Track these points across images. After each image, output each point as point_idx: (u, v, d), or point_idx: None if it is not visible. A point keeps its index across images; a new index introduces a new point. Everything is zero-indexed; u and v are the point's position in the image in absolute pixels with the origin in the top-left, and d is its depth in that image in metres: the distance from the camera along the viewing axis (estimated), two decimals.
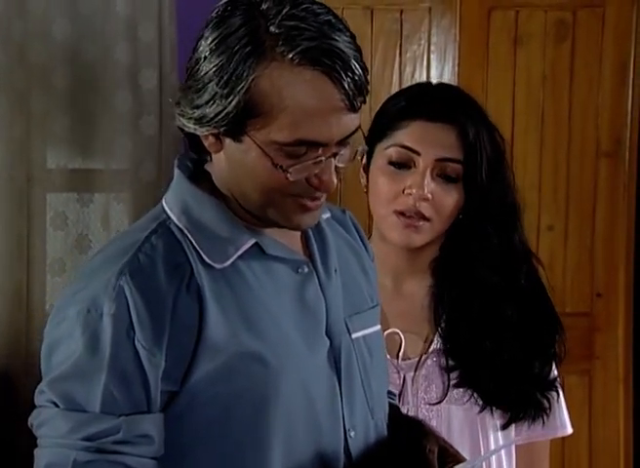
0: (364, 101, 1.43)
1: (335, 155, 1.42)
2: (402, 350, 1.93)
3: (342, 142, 1.42)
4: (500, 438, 1.97)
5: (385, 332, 1.92)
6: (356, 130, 1.43)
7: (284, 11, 1.37)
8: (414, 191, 1.89)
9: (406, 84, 3.18)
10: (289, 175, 1.39)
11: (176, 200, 1.49)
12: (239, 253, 1.46)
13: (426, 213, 1.90)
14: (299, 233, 1.56)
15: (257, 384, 1.43)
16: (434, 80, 3.18)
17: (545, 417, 1.96)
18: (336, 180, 1.43)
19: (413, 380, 1.92)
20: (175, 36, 3.26)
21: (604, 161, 3.24)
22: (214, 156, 1.48)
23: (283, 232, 1.51)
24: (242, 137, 1.40)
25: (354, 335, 1.56)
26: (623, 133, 3.22)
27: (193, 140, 1.48)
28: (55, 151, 3.28)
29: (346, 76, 1.37)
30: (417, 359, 1.94)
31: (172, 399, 1.42)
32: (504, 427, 1.96)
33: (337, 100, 1.38)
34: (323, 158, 1.40)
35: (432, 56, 3.21)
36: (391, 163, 1.92)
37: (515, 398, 1.93)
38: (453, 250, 1.97)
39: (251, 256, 1.47)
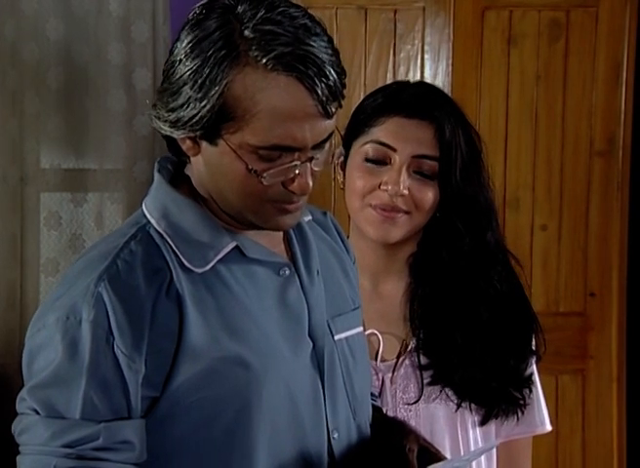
0: (339, 106, 1.42)
1: (310, 159, 1.41)
2: (380, 352, 1.93)
3: (318, 147, 1.42)
4: (480, 434, 1.97)
5: (364, 334, 1.93)
6: (331, 134, 1.43)
7: (259, 14, 1.37)
8: (390, 187, 1.89)
9: None
10: (263, 179, 1.39)
11: (155, 204, 1.48)
12: (219, 256, 1.45)
13: (403, 207, 1.90)
14: (281, 234, 1.55)
15: (239, 388, 1.43)
16: (428, 80, 3.19)
17: (520, 413, 1.96)
18: (311, 183, 1.42)
19: (391, 381, 1.92)
20: (168, 36, 3.26)
21: (597, 160, 3.24)
22: (192, 159, 1.47)
23: (264, 234, 1.51)
24: (217, 141, 1.40)
25: (337, 337, 1.56)
26: (617, 132, 3.23)
27: (172, 143, 1.47)
28: (48, 151, 3.28)
29: (320, 82, 1.37)
30: (394, 360, 1.94)
31: (153, 404, 1.41)
32: (482, 423, 1.95)
33: (310, 107, 1.37)
34: (298, 163, 1.40)
35: (426, 55, 3.21)
36: (367, 160, 1.92)
37: (488, 393, 1.93)
38: (428, 247, 1.97)
39: (231, 260, 1.46)
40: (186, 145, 1.44)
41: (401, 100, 1.92)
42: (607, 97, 3.21)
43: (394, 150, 1.90)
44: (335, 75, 1.39)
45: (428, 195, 1.90)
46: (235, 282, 1.46)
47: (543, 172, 3.24)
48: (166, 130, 1.43)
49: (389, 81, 3.18)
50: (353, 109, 1.98)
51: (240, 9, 1.38)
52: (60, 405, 1.38)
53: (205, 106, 1.37)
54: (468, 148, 1.92)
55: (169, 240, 1.45)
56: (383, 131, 1.91)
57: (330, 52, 1.39)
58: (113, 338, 1.37)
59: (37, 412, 1.40)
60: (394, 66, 3.23)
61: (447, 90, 3.17)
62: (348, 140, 1.96)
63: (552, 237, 3.26)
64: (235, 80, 1.36)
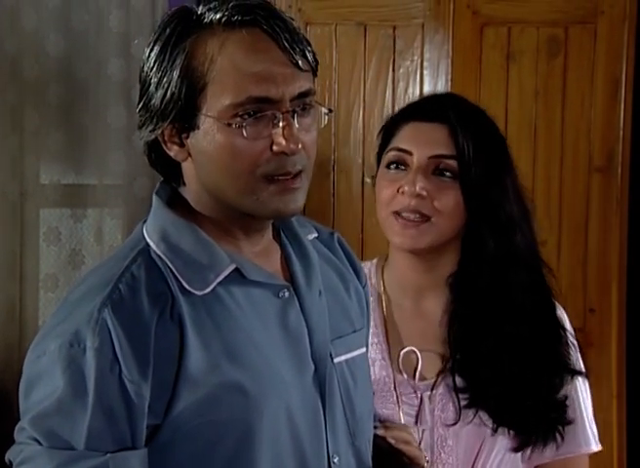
0: (312, 67, 1.44)
1: (292, 113, 1.40)
2: (419, 369, 1.92)
3: (299, 102, 1.41)
4: (512, 458, 1.93)
5: (402, 351, 1.93)
6: (310, 92, 1.43)
7: (213, 3, 1.42)
8: (406, 189, 1.90)
9: (399, 99, 3.18)
10: (244, 130, 1.38)
11: (155, 227, 1.47)
12: (219, 279, 1.43)
13: (423, 210, 1.90)
14: (278, 255, 1.54)
15: (239, 414, 1.41)
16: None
17: (560, 439, 1.92)
18: (300, 146, 1.40)
19: (430, 400, 1.91)
20: None
21: (596, 176, 3.24)
22: (184, 167, 1.46)
23: (262, 256, 1.50)
24: (197, 120, 1.40)
25: (336, 360, 1.54)
26: (616, 148, 3.22)
27: (163, 166, 1.48)
28: (48, 166, 3.29)
29: (278, 27, 1.40)
30: (434, 379, 1.92)
31: (155, 432, 1.39)
32: (517, 450, 1.92)
33: (274, 52, 1.40)
34: (277, 113, 1.39)
35: (425, 71, 3.21)
36: (388, 167, 1.96)
37: (526, 419, 1.90)
38: (468, 267, 1.96)
39: (231, 282, 1.44)
40: (174, 151, 1.44)
41: (415, 106, 2.00)
42: (606, 113, 3.21)
43: (410, 154, 1.93)
44: (297, 31, 1.42)
45: (447, 198, 1.90)
46: (235, 305, 1.44)
47: (542, 187, 3.24)
48: (148, 134, 1.44)
49: (388, 97, 3.19)
50: (354, 124, 2.02)
51: (197, 10, 1.44)
52: (65, 435, 1.35)
53: (171, 82, 1.40)
54: (490, 147, 1.93)
55: (168, 263, 1.43)
56: (400, 137, 1.96)
57: (292, 22, 1.43)
58: (119, 366, 1.35)
59: (39, 443, 1.36)
60: (393, 82, 3.23)
61: None
62: (379, 156, 2.01)
63: (551, 253, 3.25)
64: (194, 49, 1.40)
